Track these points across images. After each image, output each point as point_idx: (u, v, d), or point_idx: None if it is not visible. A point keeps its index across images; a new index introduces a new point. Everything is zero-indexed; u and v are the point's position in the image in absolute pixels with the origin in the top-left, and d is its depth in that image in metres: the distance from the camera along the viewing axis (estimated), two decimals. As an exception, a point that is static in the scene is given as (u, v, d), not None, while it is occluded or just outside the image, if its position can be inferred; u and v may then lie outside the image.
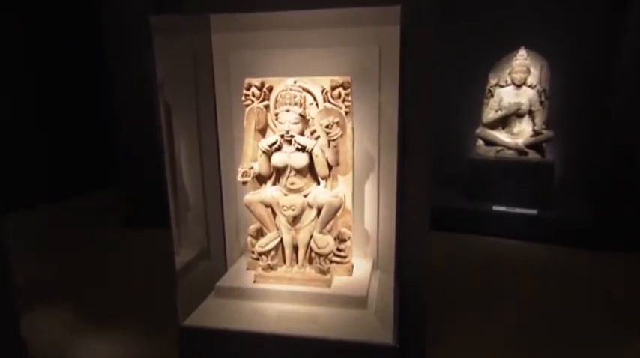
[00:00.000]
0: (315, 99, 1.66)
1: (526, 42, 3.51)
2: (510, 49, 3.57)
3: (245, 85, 1.69)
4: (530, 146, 3.50)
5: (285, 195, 1.68)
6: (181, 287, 1.66)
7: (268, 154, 1.67)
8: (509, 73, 3.56)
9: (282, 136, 1.63)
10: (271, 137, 1.67)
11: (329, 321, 1.55)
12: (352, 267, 1.78)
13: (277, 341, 1.50)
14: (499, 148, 3.58)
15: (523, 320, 2.28)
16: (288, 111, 1.61)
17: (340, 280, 1.72)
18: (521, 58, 3.51)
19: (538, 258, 3.05)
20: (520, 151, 3.51)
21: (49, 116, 4.43)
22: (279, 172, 1.70)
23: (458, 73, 3.74)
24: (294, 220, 1.67)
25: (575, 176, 3.68)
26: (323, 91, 1.63)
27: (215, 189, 1.96)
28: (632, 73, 2.95)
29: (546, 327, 2.21)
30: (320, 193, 1.65)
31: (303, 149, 1.62)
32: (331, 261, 1.70)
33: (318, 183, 1.69)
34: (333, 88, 1.62)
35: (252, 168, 1.68)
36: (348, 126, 1.66)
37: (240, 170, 1.67)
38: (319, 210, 1.65)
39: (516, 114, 3.54)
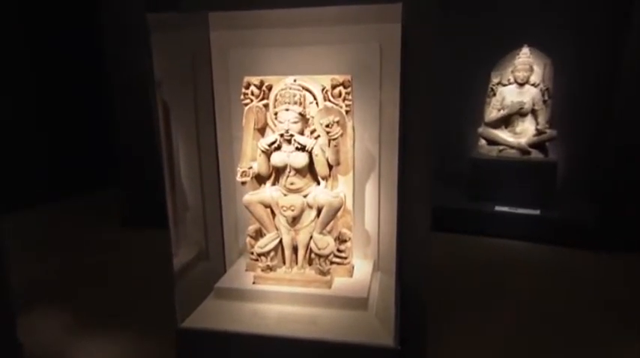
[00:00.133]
0: (315, 98, 1.65)
1: (529, 40, 3.49)
2: (513, 47, 3.55)
3: (244, 84, 1.68)
4: (533, 145, 3.48)
5: (285, 195, 1.67)
6: (179, 288, 1.65)
7: (268, 154, 1.66)
8: (512, 72, 3.54)
9: (281, 135, 1.62)
10: (271, 136, 1.66)
11: (329, 323, 1.54)
12: (352, 268, 1.77)
13: (277, 343, 1.49)
14: (501, 148, 3.56)
15: (525, 321, 2.26)
16: (287, 110, 1.60)
17: (340, 281, 1.71)
18: (524, 56, 3.49)
19: (541, 259, 3.04)
20: (523, 151, 3.49)
21: (48, 116, 4.44)
22: (278, 172, 1.69)
23: (460, 72, 3.72)
24: (294, 221, 1.66)
25: (578, 176, 3.66)
26: (323, 90, 1.62)
27: (214, 189, 1.95)
28: (636, 72, 2.94)
29: (549, 328, 2.20)
30: (320, 193, 1.64)
31: (302, 148, 1.61)
32: (331, 262, 1.69)
33: (318, 183, 1.68)
34: (334, 87, 1.61)
35: (251, 167, 1.67)
36: (349, 125, 1.65)
37: (239, 170, 1.67)
38: (319, 211, 1.64)
39: (519, 113, 3.52)
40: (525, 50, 3.49)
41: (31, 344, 2.06)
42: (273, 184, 1.72)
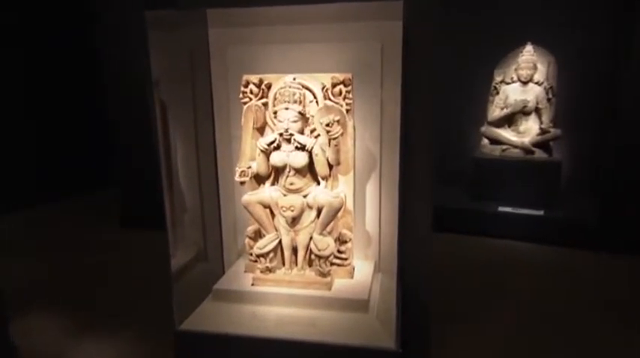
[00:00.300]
0: (315, 97, 1.65)
1: (533, 37, 3.48)
2: (516, 45, 3.54)
3: (243, 82, 1.68)
4: (537, 145, 3.47)
5: (285, 195, 1.66)
6: (177, 290, 1.65)
7: (267, 153, 1.65)
8: (516, 70, 3.53)
9: (281, 135, 1.61)
10: (270, 136, 1.66)
11: (329, 325, 1.54)
12: (353, 269, 1.76)
13: (276, 346, 1.49)
14: (504, 147, 3.55)
15: (528, 323, 2.26)
16: (287, 109, 1.60)
17: (341, 283, 1.70)
18: (528, 53, 3.48)
19: (544, 260, 3.03)
20: (526, 150, 3.48)
21: (48, 116, 4.45)
22: (278, 172, 1.69)
23: (462, 70, 3.71)
24: (294, 221, 1.66)
25: (583, 176, 3.65)
26: (323, 88, 1.62)
27: (212, 190, 1.95)
28: (641, 70, 2.92)
29: (551, 330, 2.20)
30: (320, 193, 1.64)
31: (302, 148, 1.61)
32: (331, 264, 1.69)
33: (318, 183, 1.68)
34: (334, 85, 1.60)
35: (250, 167, 1.67)
36: (349, 124, 1.64)
37: (238, 169, 1.66)
38: (319, 211, 1.64)
39: (522, 111, 3.51)
40: (529, 48, 3.48)
41: (29, 345, 2.06)
42: (273, 184, 1.71)
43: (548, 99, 3.49)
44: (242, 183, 1.68)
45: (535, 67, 3.48)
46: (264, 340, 1.49)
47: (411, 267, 1.69)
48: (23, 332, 2.18)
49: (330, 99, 1.61)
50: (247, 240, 1.76)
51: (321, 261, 1.65)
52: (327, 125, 1.56)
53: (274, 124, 1.67)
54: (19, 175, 4.13)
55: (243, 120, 1.69)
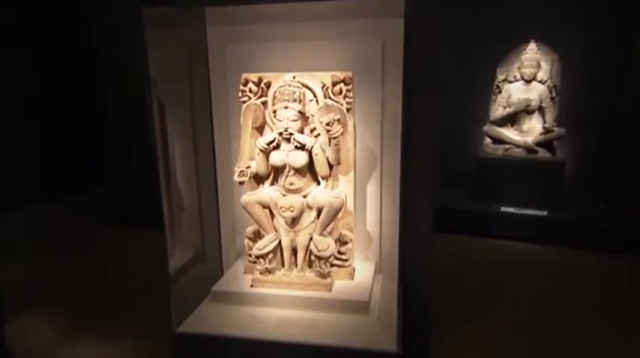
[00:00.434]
0: (315, 96, 1.65)
1: (536, 35, 3.49)
2: (519, 43, 3.54)
3: (242, 81, 1.68)
4: (540, 144, 3.47)
5: (284, 195, 1.67)
6: (175, 291, 1.65)
7: (266, 153, 1.66)
8: (519, 68, 3.53)
9: (280, 134, 1.62)
10: (269, 135, 1.66)
11: (329, 327, 1.54)
12: (354, 270, 1.77)
13: (276, 348, 1.50)
14: (507, 146, 3.56)
15: (531, 325, 2.26)
16: (286, 107, 1.60)
17: (341, 284, 1.71)
18: (531, 51, 3.48)
19: (548, 261, 3.03)
20: (529, 150, 3.49)
21: (47, 116, 4.47)
22: (277, 172, 1.69)
23: (464, 68, 3.72)
24: (293, 222, 1.67)
25: (587, 175, 3.66)
26: (323, 87, 1.62)
27: (211, 190, 1.95)
28: (646, 68, 2.93)
29: (554, 331, 2.20)
30: (320, 193, 1.64)
31: (302, 147, 1.61)
32: (332, 265, 1.69)
33: (318, 183, 1.68)
34: (334, 84, 1.61)
35: (249, 167, 1.68)
36: (350, 123, 1.65)
37: (237, 169, 1.67)
38: (319, 211, 1.64)
39: (526, 110, 3.51)
40: (532, 46, 3.48)
41: (25, 346, 2.07)
42: (272, 184, 1.72)
43: (552, 98, 3.49)
44: (241, 183, 1.68)
45: (538, 65, 3.48)
46: (264, 342, 1.49)
47: (413, 269, 1.70)
48: (20, 333, 2.19)
49: (330, 97, 1.62)
50: (246, 240, 1.76)
51: (321, 262, 1.66)
52: (328, 124, 1.56)
53: (274, 123, 1.68)
54: (18, 175, 4.16)
55: (242, 119, 1.70)
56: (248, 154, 1.70)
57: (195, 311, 1.66)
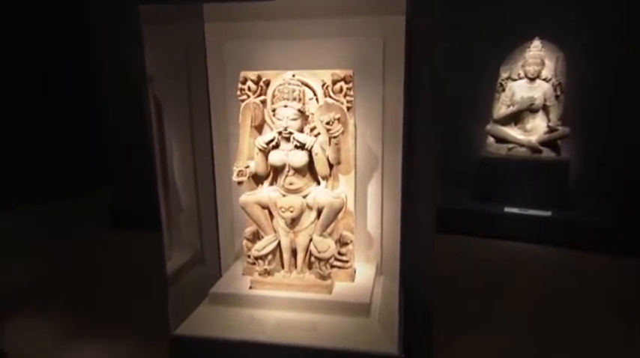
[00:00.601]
0: (315, 94, 1.66)
1: (540, 32, 3.49)
2: (523, 40, 3.55)
3: (240, 79, 1.69)
4: (545, 143, 3.48)
5: (284, 195, 1.68)
6: (173, 293, 1.66)
7: (265, 152, 1.66)
8: (522, 66, 3.54)
9: (280, 133, 1.63)
10: (268, 134, 1.67)
11: (330, 330, 1.55)
12: (354, 272, 1.77)
13: (275, 351, 1.50)
14: (511, 146, 3.56)
15: (534, 327, 2.27)
16: (286, 106, 1.61)
17: (341, 286, 1.71)
18: (535, 49, 3.49)
19: (552, 263, 3.04)
20: (533, 149, 3.49)
21: (45, 115, 4.50)
22: (276, 171, 1.70)
23: (467, 66, 3.72)
24: (293, 222, 1.67)
25: (592, 175, 3.66)
26: (323, 85, 1.63)
27: (209, 190, 1.96)
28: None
29: (557, 333, 2.21)
30: (320, 194, 1.65)
31: (302, 147, 1.62)
32: (332, 266, 1.70)
33: (318, 183, 1.69)
34: (334, 82, 1.61)
35: (248, 167, 1.68)
36: (350, 122, 1.65)
37: (236, 169, 1.67)
38: (319, 212, 1.65)
39: (530, 109, 3.52)
40: (536, 43, 3.49)
41: (18, 352, 2.07)
42: (271, 184, 1.72)
43: (557, 97, 3.50)
44: (240, 183, 1.69)
45: (543, 63, 3.49)
46: (263, 345, 1.50)
47: (414, 270, 1.71)
48: (15, 335, 2.20)
49: (330, 96, 1.63)
50: (245, 241, 1.77)
51: (322, 263, 1.67)
52: (328, 123, 1.57)
53: (273, 122, 1.68)
54: (17, 175, 4.19)
55: (240, 118, 1.70)
56: (247, 154, 1.71)
57: (193, 313, 1.67)
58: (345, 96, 1.62)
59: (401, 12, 1.49)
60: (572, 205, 3.42)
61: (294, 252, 1.72)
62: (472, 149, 3.78)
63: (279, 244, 1.72)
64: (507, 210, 3.45)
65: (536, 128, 3.54)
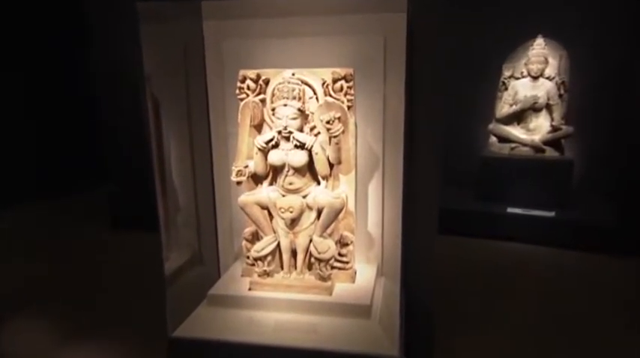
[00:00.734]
0: (315, 93, 1.66)
1: (544, 30, 3.50)
2: (526, 38, 3.55)
3: (239, 78, 1.69)
4: (548, 143, 3.49)
5: (283, 195, 1.68)
6: (171, 294, 1.66)
7: (265, 152, 1.67)
8: (525, 64, 3.55)
9: (279, 132, 1.63)
10: (268, 133, 1.67)
11: (330, 331, 1.55)
12: (355, 273, 1.78)
13: (274, 353, 1.50)
14: (514, 145, 3.57)
15: (536, 329, 2.27)
16: (285, 105, 1.61)
17: (342, 287, 1.72)
18: (539, 47, 3.50)
19: (555, 264, 3.04)
20: (537, 148, 3.50)
21: (45, 116, 4.53)
22: (276, 171, 1.70)
23: (469, 64, 3.73)
24: (293, 223, 1.67)
25: (596, 175, 3.67)
26: (323, 84, 1.63)
27: (207, 190, 1.96)
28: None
29: (560, 335, 2.21)
30: (320, 194, 1.65)
31: (302, 146, 1.62)
32: (332, 267, 1.70)
33: (318, 183, 1.69)
34: (335, 81, 1.62)
35: (247, 166, 1.68)
36: (351, 121, 1.66)
37: (235, 169, 1.68)
38: (319, 212, 1.65)
39: (533, 108, 3.53)
40: (540, 41, 3.49)
41: (13, 354, 2.08)
42: (271, 184, 1.73)
43: (560, 95, 3.51)
44: (239, 183, 1.69)
45: (546, 61, 3.49)
46: (262, 347, 1.50)
47: (415, 271, 1.71)
48: (13, 337, 2.20)
49: (330, 95, 1.63)
50: (244, 242, 1.77)
51: (322, 264, 1.67)
52: (328, 122, 1.57)
53: (272, 121, 1.69)
54: (17, 175, 4.21)
55: (239, 117, 1.70)
56: (246, 153, 1.71)
57: (191, 315, 1.67)
58: (345, 94, 1.62)
59: (402, 9, 1.49)
60: (575, 205, 3.43)
61: (293, 253, 1.72)
62: (474, 148, 3.79)
63: (278, 245, 1.72)
64: (510, 210, 3.46)
65: (540, 127, 3.54)
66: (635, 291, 2.67)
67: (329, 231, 1.67)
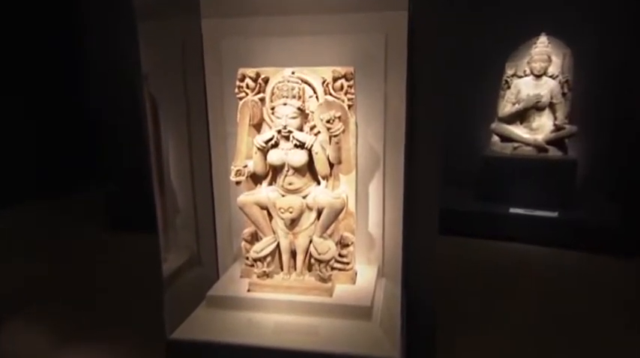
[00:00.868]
0: (315, 92, 1.66)
1: (547, 27, 3.50)
2: (530, 36, 3.56)
3: (238, 76, 1.69)
4: (551, 142, 3.49)
5: (283, 195, 1.68)
6: (169, 296, 1.67)
7: (264, 151, 1.67)
8: (528, 62, 3.55)
9: (279, 132, 1.63)
10: (267, 133, 1.68)
11: (330, 333, 1.55)
12: (355, 274, 1.78)
13: (274, 355, 1.51)
14: (516, 145, 3.57)
15: (539, 331, 2.28)
16: (285, 104, 1.61)
17: (342, 289, 1.72)
18: (542, 45, 3.50)
19: (558, 265, 3.05)
20: (540, 148, 3.50)
21: (44, 115, 4.53)
22: (275, 171, 1.70)
23: (471, 63, 3.73)
24: (293, 223, 1.68)
25: (600, 175, 3.68)
26: (324, 83, 1.64)
27: (206, 190, 1.97)
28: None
29: (563, 337, 2.22)
30: (320, 194, 1.65)
31: (301, 146, 1.63)
32: (332, 268, 1.70)
33: (319, 183, 1.70)
34: (335, 80, 1.62)
35: (246, 166, 1.69)
36: (351, 120, 1.66)
37: (234, 169, 1.68)
38: (319, 213, 1.65)
39: (536, 107, 3.53)
40: (543, 39, 3.50)
41: (13, 355, 2.08)
42: (270, 184, 1.73)
43: (563, 94, 3.51)
44: (238, 183, 1.69)
45: (549, 60, 3.50)
46: (261, 349, 1.51)
47: (416, 272, 1.72)
48: (10, 339, 2.21)
49: (330, 94, 1.63)
50: (243, 243, 1.77)
51: (322, 265, 1.67)
52: (328, 121, 1.57)
53: (272, 121, 1.69)
54: (16, 175, 4.22)
55: (238, 116, 1.71)
56: (245, 153, 1.71)
57: (189, 316, 1.67)
58: (345, 93, 1.62)
59: (403, 7, 1.50)
60: (579, 206, 3.43)
61: (293, 254, 1.73)
62: (476, 148, 3.79)
63: (278, 246, 1.72)
64: (512, 210, 3.46)
65: (543, 126, 3.55)
66: (635, 291, 2.67)
67: (329, 231, 1.68)
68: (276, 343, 1.52)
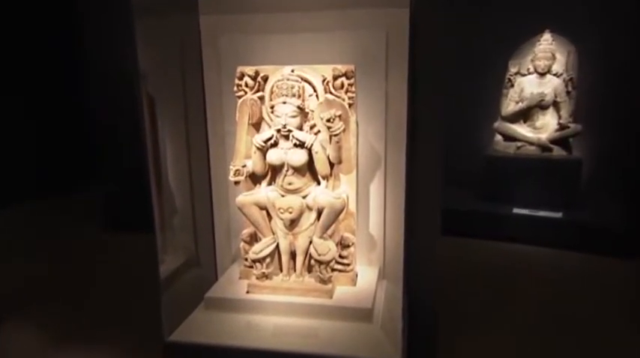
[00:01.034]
0: (315, 90, 1.66)
1: (551, 25, 3.50)
2: (533, 33, 3.55)
3: (237, 74, 1.69)
4: (555, 141, 3.49)
5: (282, 195, 1.68)
6: (167, 297, 1.67)
7: (263, 151, 1.67)
8: (532, 60, 3.54)
9: (278, 131, 1.63)
10: (266, 132, 1.68)
11: (330, 336, 1.56)
12: (356, 275, 1.78)
13: (273, 358, 1.51)
14: (520, 144, 3.57)
15: (545, 333, 2.28)
16: (285, 103, 1.62)
17: (343, 290, 1.72)
18: (546, 42, 3.49)
19: (561, 266, 3.05)
20: (543, 147, 3.50)
21: (44, 115, 4.55)
22: (275, 171, 1.71)
23: (474, 60, 3.73)
24: (292, 224, 1.68)
25: (605, 175, 3.67)
26: (324, 81, 1.64)
27: (204, 190, 1.97)
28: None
29: (568, 340, 2.22)
30: (320, 194, 1.66)
31: (301, 145, 1.63)
32: (333, 269, 1.71)
33: (319, 183, 1.70)
34: (335, 78, 1.62)
35: (245, 166, 1.69)
36: (352, 119, 1.66)
37: (232, 168, 1.68)
38: (319, 213, 1.66)
39: (539, 105, 3.53)
40: (547, 36, 3.49)
41: (13, 354, 2.08)
42: (270, 184, 1.73)
43: (568, 92, 3.51)
44: (236, 182, 1.69)
45: (553, 57, 3.49)
46: (261, 351, 1.51)
47: (418, 274, 1.72)
48: (13, 337, 2.21)
49: (331, 92, 1.63)
50: (242, 244, 1.78)
51: (322, 266, 1.67)
52: (328, 120, 1.57)
53: (271, 120, 1.69)
54: (15, 175, 4.24)
55: (237, 115, 1.71)
56: (244, 152, 1.72)
57: (187, 318, 1.67)
58: (346, 92, 1.62)
59: (404, 4, 1.50)
60: (583, 206, 3.43)
61: (293, 255, 1.73)
62: (479, 147, 3.79)
63: (277, 246, 1.72)
64: (516, 211, 3.46)
65: (547, 125, 3.55)
66: (639, 293, 2.68)
67: (329, 232, 1.68)
68: (275, 346, 1.52)
